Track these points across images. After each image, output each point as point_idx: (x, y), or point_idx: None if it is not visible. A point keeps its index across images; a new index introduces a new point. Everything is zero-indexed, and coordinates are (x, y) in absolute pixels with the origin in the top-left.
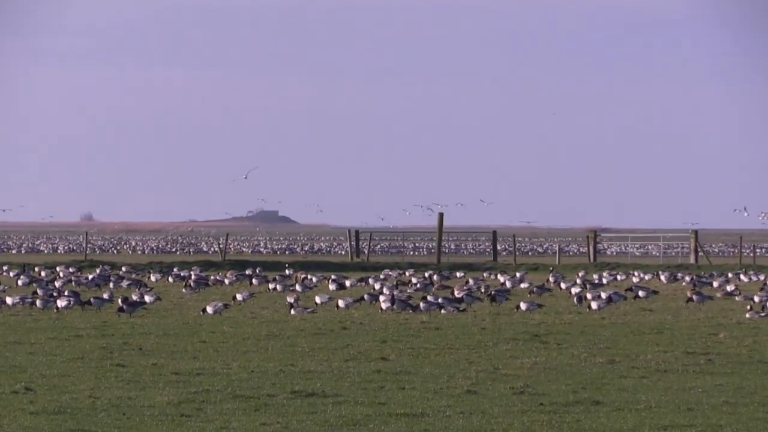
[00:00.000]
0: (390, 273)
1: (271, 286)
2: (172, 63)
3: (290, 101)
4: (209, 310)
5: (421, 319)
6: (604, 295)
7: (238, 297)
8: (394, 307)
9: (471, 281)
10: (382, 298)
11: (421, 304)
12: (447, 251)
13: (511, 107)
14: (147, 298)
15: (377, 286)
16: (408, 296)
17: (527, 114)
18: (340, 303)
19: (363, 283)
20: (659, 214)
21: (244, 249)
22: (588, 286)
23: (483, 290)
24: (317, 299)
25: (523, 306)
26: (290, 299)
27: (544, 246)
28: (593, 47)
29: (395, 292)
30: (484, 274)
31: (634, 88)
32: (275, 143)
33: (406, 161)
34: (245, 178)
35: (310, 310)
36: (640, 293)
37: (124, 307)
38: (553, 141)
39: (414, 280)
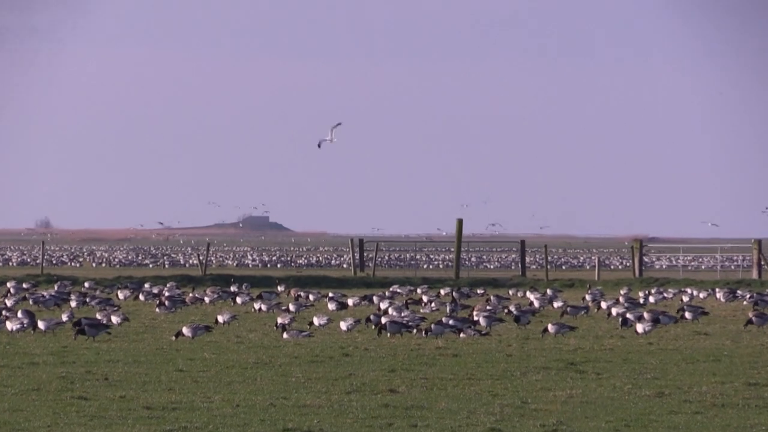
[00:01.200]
0: (399, 290)
1: (256, 305)
2: (143, 50)
3: (278, 92)
4: (186, 333)
5: (436, 345)
6: (648, 316)
7: (221, 319)
8: (387, 330)
9: (493, 299)
10: (383, 319)
11: (433, 326)
12: (467, 264)
13: (540, 105)
14: (114, 319)
15: (384, 306)
16: (421, 317)
17: (556, 111)
18: (342, 325)
19: (367, 303)
20: (689, 221)
21: (227, 261)
22: (628, 305)
23: (510, 310)
24: (315, 320)
25: (551, 329)
26: (282, 321)
27: (581, 258)
28: (631, 50)
29: (404, 313)
30: (510, 292)
31: (673, 80)
32: (264, 140)
33: (422, 161)
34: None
35: (305, 333)
36: (686, 315)
37: (85, 329)
38: (591, 140)
39: (426, 299)
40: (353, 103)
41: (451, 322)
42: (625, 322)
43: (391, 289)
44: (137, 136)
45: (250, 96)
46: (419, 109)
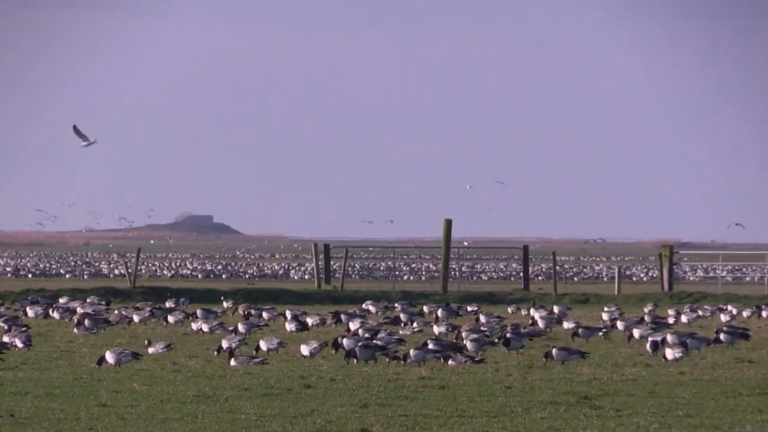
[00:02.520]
0: (371, 308)
1: (195, 325)
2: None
3: (225, 79)
4: (110, 359)
5: (418, 374)
6: (671, 339)
7: (151, 350)
8: (357, 356)
9: (483, 318)
10: (347, 342)
11: (412, 352)
12: (458, 275)
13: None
14: (17, 343)
15: (354, 326)
16: (398, 339)
17: (564, 105)
18: (303, 349)
19: (334, 322)
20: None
21: (163, 271)
22: (654, 325)
23: (507, 331)
24: (262, 344)
25: (555, 354)
26: (228, 344)
27: (597, 268)
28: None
29: (381, 334)
30: (510, 309)
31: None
32: (210, 128)
33: (405, 154)
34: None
35: (258, 360)
36: (722, 337)
37: None
38: (608, 133)
39: (404, 317)
40: (314, 89)
41: (431, 345)
42: (656, 346)
43: (363, 305)
44: (56, 122)
45: (193, 83)
46: (403, 95)
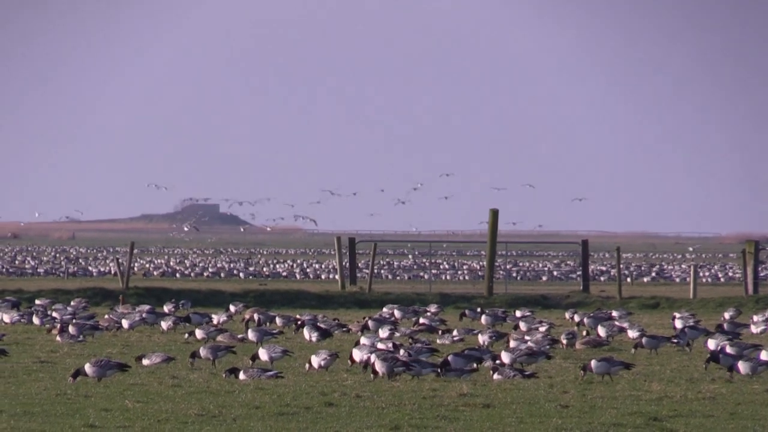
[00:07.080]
0: (396, 313)
1: (199, 333)
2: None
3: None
4: (89, 371)
5: (459, 390)
6: (733, 350)
7: (146, 362)
8: (381, 370)
9: (523, 326)
10: (356, 352)
11: (412, 367)
12: (504, 275)
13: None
14: None
15: (383, 334)
16: (430, 348)
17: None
18: (313, 360)
19: (362, 329)
20: None
21: (160, 269)
22: (731, 335)
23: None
24: (261, 354)
25: (594, 366)
26: (206, 353)
27: (669, 267)
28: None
29: (418, 345)
30: (567, 314)
31: None
32: (219, 111)
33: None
34: None
35: (271, 373)
36: None
37: None
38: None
39: (424, 321)
40: (334, 66)
41: (450, 357)
42: (716, 358)
43: (384, 310)
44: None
45: (195, 60)
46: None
